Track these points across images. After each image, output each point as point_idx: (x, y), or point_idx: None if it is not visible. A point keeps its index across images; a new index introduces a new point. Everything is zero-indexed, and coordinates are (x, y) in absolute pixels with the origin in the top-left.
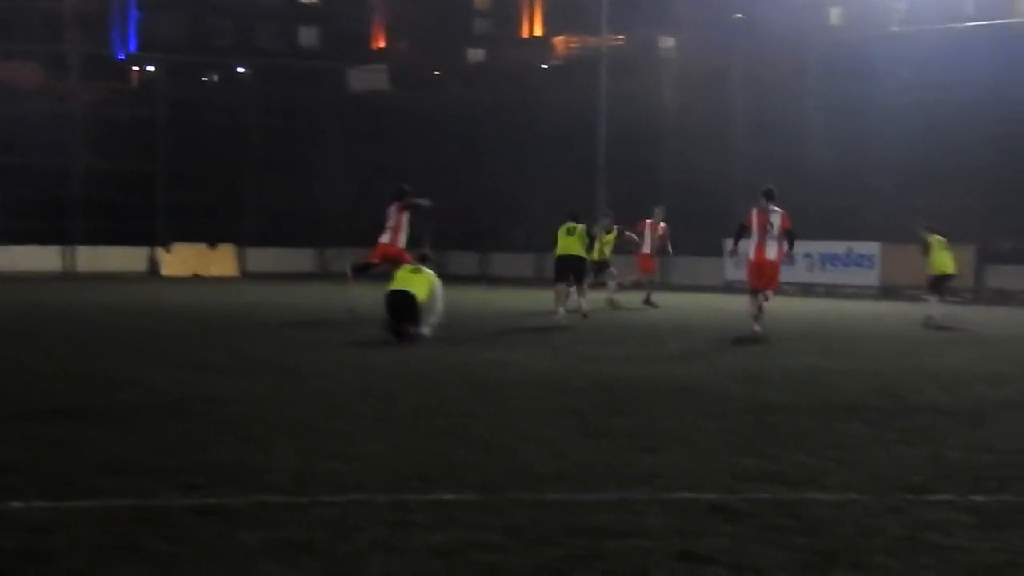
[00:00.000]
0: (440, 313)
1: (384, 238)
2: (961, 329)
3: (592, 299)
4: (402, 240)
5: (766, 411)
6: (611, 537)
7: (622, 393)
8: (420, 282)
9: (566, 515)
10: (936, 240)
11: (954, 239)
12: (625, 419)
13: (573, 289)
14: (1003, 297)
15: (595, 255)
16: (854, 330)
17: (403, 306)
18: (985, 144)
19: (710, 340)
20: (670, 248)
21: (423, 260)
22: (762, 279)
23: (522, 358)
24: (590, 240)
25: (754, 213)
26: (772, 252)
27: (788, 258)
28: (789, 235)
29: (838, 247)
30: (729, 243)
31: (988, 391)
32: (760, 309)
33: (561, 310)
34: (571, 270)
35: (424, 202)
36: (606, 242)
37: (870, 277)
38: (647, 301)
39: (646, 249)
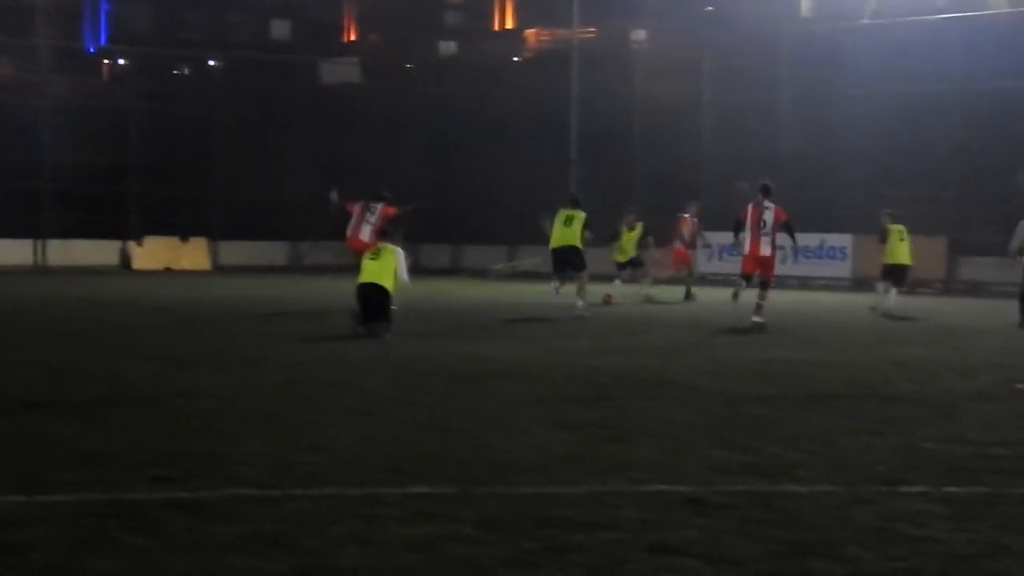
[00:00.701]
0: (406, 284)
1: (365, 235)
2: (917, 319)
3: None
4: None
5: (740, 403)
6: (585, 529)
7: (597, 385)
8: (386, 268)
9: (540, 507)
10: (896, 229)
11: (926, 230)
12: (599, 411)
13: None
14: (975, 288)
15: (620, 256)
16: (827, 322)
17: (374, 299)
18: (957, 136)
19: (684, 332)
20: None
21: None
22: (757, 270)
23: (496, 350)
24: (621, 235)
25: (749, 208)
26: (766, 248)
27: (794, 250)
28: (787, 228)
29: (811, 239)
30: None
31: (960, 382)
32: (761, 302)
33: (556, 283)
34: (568, 262)
35: (411, 207)
36: (629, 239)
37: (842, 269)
38: (647, 295)
39: (680, 244)
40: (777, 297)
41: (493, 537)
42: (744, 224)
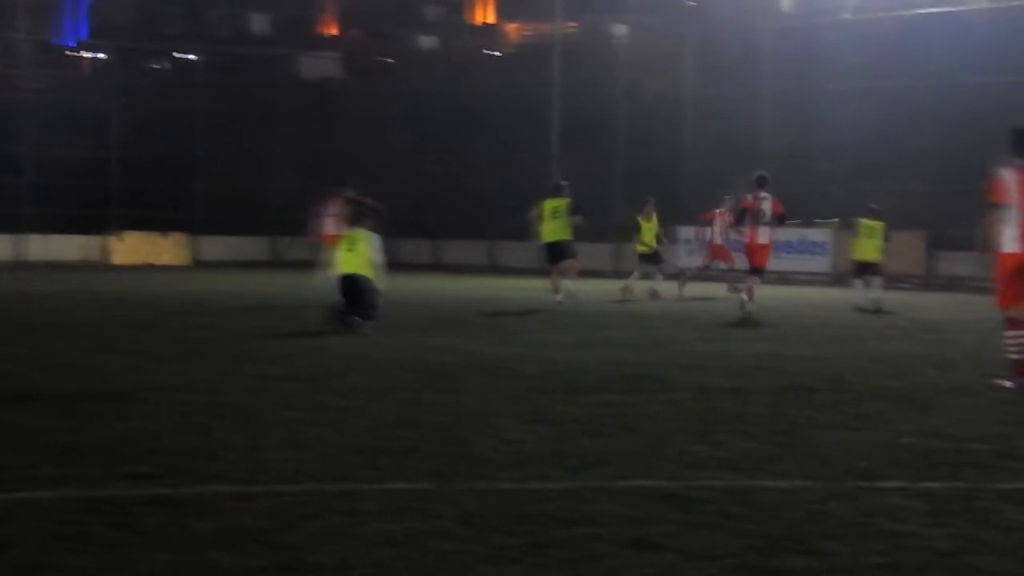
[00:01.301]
0: (380, 268)
1: (327, 228)
2: (895, 314)
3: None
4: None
5: (718, 398)
6: (562, 525)
7: (576, 380)
8: (362, 256)
9: (519, 503)
10: (865, 225)
11: (905, 225)
12: (578, 406)
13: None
14: (954, 283)
15: (642, 247)
16: (806, 317)
17: (355, 290)
18: (936, 131)
19: (662, 327)
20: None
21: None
22: (754, 260)
23: (475, 345)
24: (640, 227)
25: (749, 198)
26: (764, 236)
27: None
28: (780, 219)
29: (791, 234)
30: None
31: (939, 377)
32: (751, 294)
33: (559, 295)
34: (561, 254)
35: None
36: (648, 229)
37: (823, 264)
38: (732, 287)
39: (718, 239)
40: (758, 292)
41: (472, 533)
42: (746, 215)
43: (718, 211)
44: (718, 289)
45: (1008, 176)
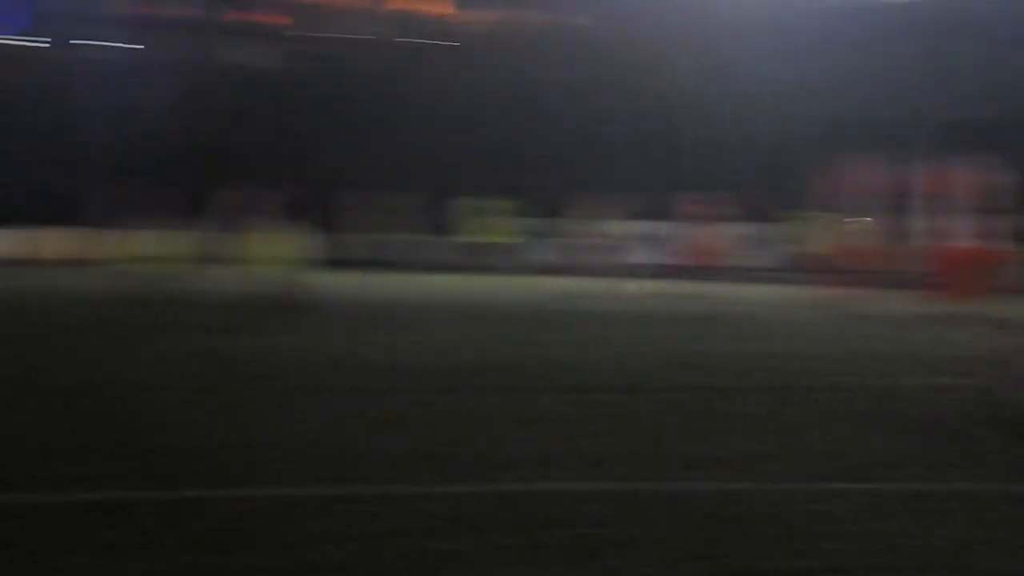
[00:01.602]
0: (301, 266)
1: (244, 226)
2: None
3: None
4: None
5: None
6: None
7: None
8: (280, 255)
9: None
10: (828, 219)
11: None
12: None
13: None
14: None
15: (618, 240)
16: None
17: (288, 288)
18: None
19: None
20: None
21: (289, 219)
22: (724, 260)
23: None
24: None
25: (728, 198)
26: (743, 235)
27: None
28: (757, 217)
29: (781, 230)
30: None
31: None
32: (740, 292)
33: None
34: (494, 256)
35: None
36: (628, 228)
37: (793, 261)
38: (727, 284)
39: (706, 238)
40: (747, 290)
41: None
42: (723, 215)
43: (705, 209)
44: (713, 288)
45: (947, 172)
